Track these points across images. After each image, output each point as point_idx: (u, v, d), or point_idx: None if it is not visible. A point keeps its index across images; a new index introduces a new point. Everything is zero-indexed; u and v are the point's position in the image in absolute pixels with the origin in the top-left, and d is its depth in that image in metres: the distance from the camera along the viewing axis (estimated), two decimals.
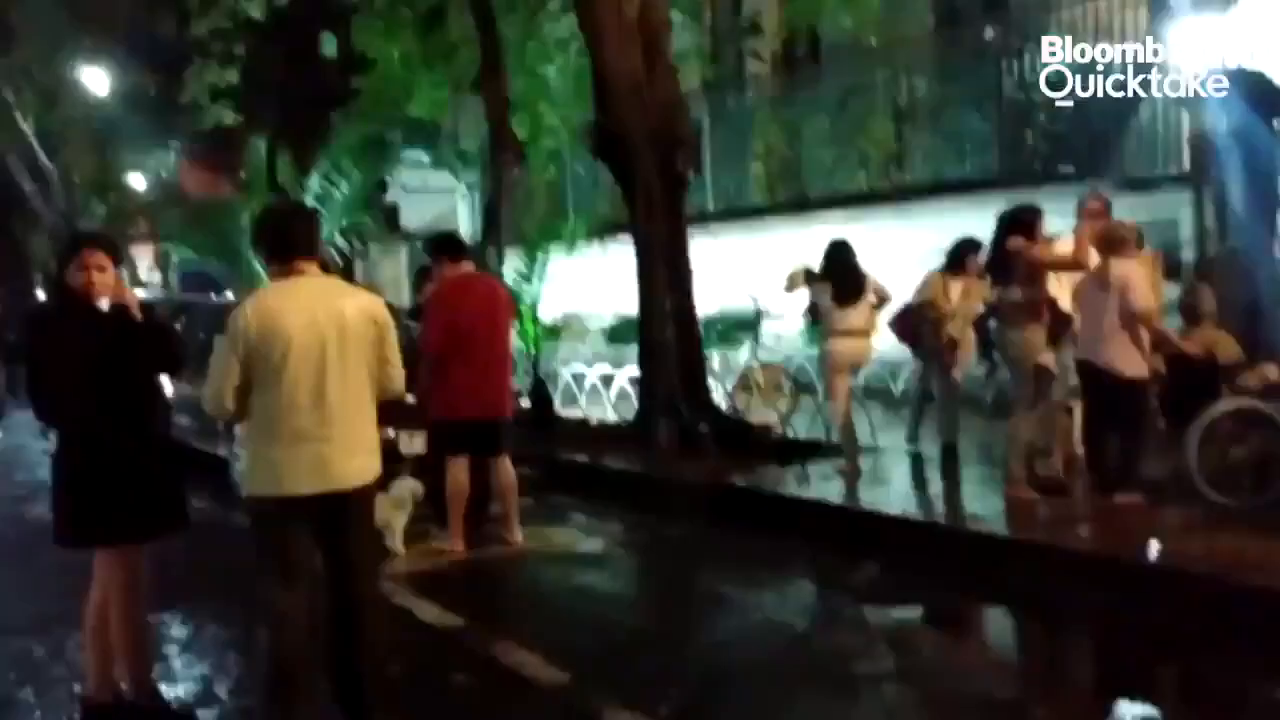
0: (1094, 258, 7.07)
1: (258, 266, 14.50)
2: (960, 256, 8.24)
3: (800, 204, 13.76)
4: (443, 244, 7.39)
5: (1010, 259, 6.83)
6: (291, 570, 3.83)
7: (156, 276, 28.06)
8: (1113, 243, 6.62)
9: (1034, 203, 7.27)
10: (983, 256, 7.94)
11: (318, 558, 3.90)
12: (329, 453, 3.78)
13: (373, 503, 4.10)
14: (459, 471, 6.91)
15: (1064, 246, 7.01)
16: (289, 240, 3.93)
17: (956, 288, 8.23)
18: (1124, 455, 6.57)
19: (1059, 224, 7.51)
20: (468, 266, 7.24)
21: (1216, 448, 6.42)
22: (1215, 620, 5.05)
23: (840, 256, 8.04)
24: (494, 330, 7.04)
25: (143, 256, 27.47)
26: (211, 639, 5.58)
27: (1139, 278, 6.49)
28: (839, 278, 7.95)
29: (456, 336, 6.77)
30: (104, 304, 4.19)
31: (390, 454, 7.98)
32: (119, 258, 4.31)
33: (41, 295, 22.69)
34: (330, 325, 3.79)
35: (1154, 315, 6.52)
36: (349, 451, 3.83)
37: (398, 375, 4.03)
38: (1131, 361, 6.46)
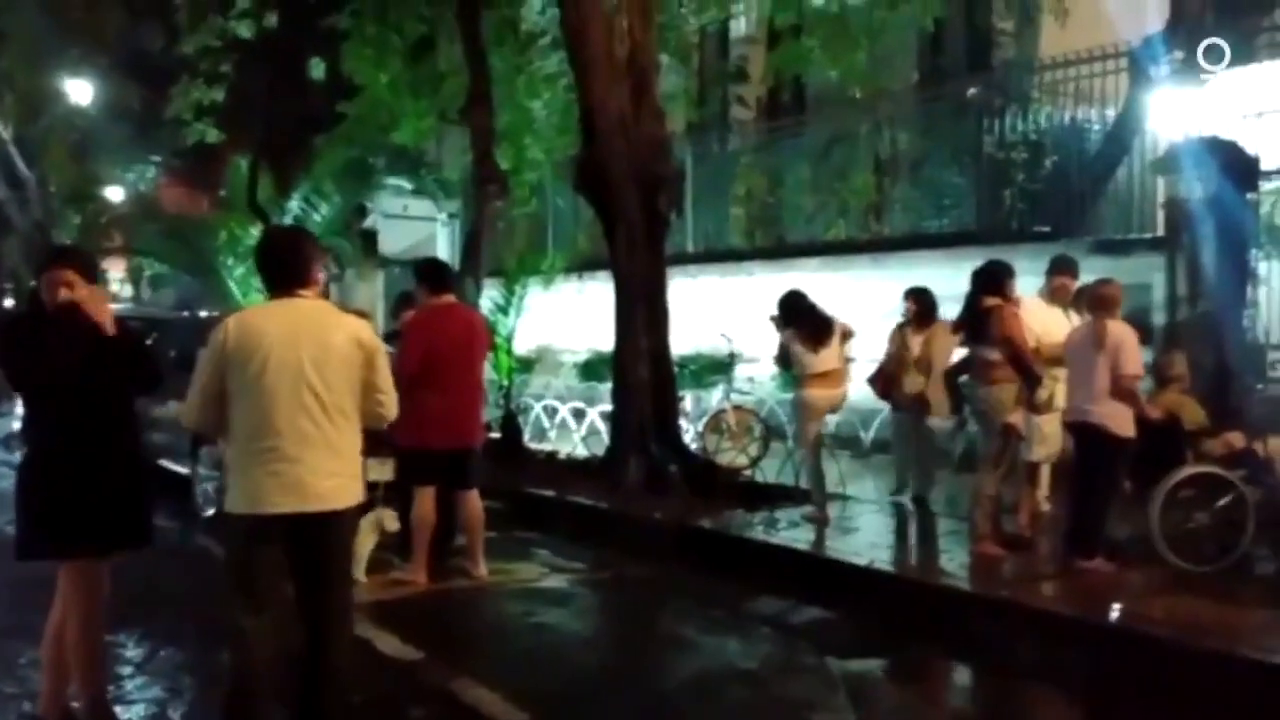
0: (1057, 323, 7.20)
1: (232, 284, 14.47)
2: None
3: (779, 250, 13.83)
4: (427, 273, 7.37)
5: (985, 316, 6.86)
6: (261, 593, 3.78)
7: (128, 290, 27.87)
8: (1104, 301, 6.64)
9: (1009, 259, 7.35)
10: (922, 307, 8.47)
11: (289, 583, 3.84)
12: (303, 474, 3.73)
13: (352, 529, 4.04)
14: (426, 501, 6.87)
15: (1037, 309, 7.13)
16: (287, 271, 3.90)
17: (917, 340, 8.38)
18: (1095, 519, 6.57)
19: (1033, 282, 7.62)
20: (449, 298, 7.22)
21: (1179, 512, 6.46)
22: (1171, 682, 5.08)
23: (800, 303, 8.11)
24: (470, 362, 7.05)
25: (115, 270, 27.29)
26: (167, 660, 5.50)
27: (1132, 341, 6.49)
28: (806, 321, 8.00)
29: (432, 364, 6.75)
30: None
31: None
32: (91, 274, 4.24)
33: (9, 302, 22.44)
34: (312, 345, 3.77)
35: (1138, 379, 6.54)
36: (326, 473, 3.78)
37: (389, 402, 3.99)
38: (1123, 421, 6.44)
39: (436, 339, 6.83)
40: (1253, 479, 6.61)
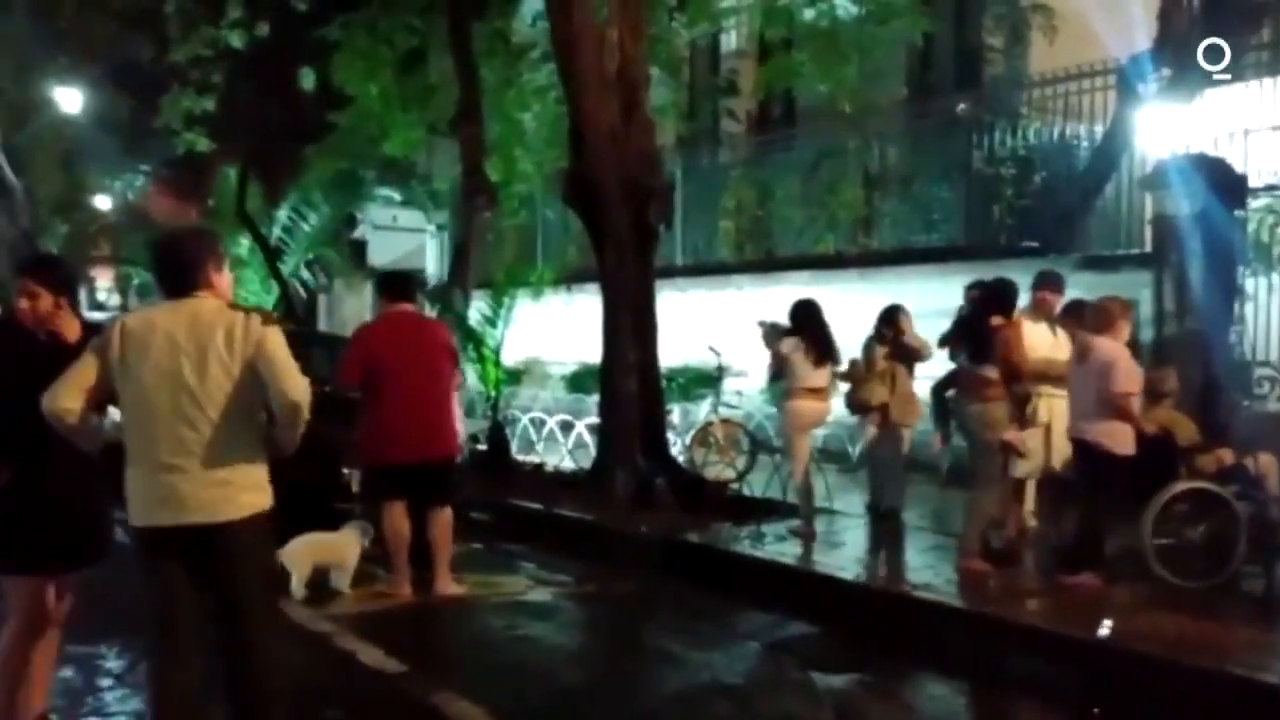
0: (1041, 338, 7.19)
1: None
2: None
3: (768, 264, 13.84)
4: (385, 282, 7.31)
5: (991, 335, 6.80)
6: (163, 606, 3.63)
7: (115, 299, 27.78)
8: (1098, 317, 6.61)
9: (997, 274, 7.35)
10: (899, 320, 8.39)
11: (199, 597, 3.66)
12: (180, 483, 3.53)
13: (254, 541, 3.69)
14: (395, 515, 6.75)
15: (1032, 328, 7.12)
16: (172, 274, 3.71)
17: (882, 350, 8.41)
18: (1091, 535, 6.54)
19: (1022, 297, 7.60)
20: (407, 308, 7.08)
21: (1171, 528, 6.44)
22: (1158, 699, 5.06)
23: (815, 315, 8.07)
24: (428, 372, 6.81)
25: (103, 279, 27.21)
26: (146, 673, 5.42)
27: (1125, 358, 6.43)
28: (815, 337, 7.97)
29: (380, 375, 6.59)
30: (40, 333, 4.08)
31: (345, 493, 7.94)
32: (63, 284, 4.14)
33: None
34: (192, 348, 3.54)
35: (1132, 397, 6.47)
36: (210, 483, 3.54)
37: (291, 392, 3.56)
38: (1121, 439, 6.40)
39: (382, 350, 6.68)
40: (1244, 495, 6.59)
